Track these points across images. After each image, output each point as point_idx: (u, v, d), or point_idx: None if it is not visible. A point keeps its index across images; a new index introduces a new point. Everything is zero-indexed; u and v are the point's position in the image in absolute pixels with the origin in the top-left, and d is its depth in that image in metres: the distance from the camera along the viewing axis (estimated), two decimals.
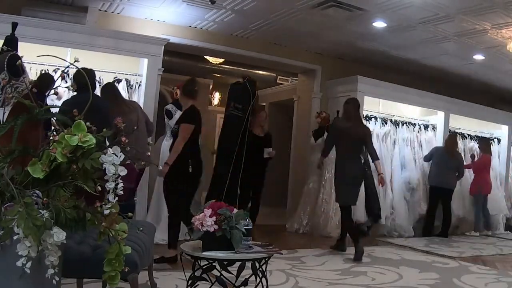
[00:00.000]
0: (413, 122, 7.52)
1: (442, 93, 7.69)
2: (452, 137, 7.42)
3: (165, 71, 6.03)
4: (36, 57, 2.51)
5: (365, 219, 6.67)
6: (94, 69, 4.95)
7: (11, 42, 3.70)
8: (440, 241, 6.51)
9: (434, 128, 7.73)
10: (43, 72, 4.95)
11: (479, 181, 7.44)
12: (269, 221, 7.82)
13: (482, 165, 7.54)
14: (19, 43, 3.86)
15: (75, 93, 4.15)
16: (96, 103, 4.23)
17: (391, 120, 7.25)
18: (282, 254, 3.74)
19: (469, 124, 8.21)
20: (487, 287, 3.89)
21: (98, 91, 4.77)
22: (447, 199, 7.01)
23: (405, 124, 7.36)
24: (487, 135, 8.55)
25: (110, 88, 4.87)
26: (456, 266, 4.77)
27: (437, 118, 7.76)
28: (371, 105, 7.15)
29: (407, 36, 6.08)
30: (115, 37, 5.34)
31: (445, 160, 6.96)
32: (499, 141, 8.64)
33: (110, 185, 1.69)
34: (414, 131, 7.45)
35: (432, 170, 7.08)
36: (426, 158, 7.18)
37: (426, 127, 7.65)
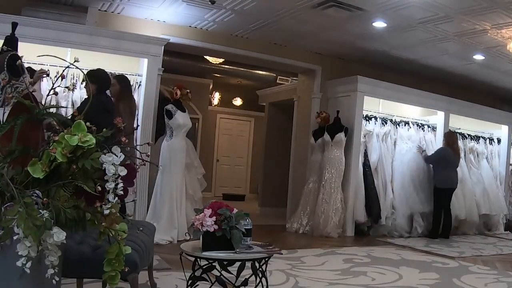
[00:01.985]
0: (413, 122, 7.53)
1: (442, 93, 7.69)
2: (454, 135, 7.32)
3: (165, 71, 6.04)
4: (36, 57, 2.52)
5: (365, 219, 6.69)
6: (94, 69, 4.98)
7: (11, 42, 3.69)
8: (440, 241, 6.51)
9: (434, 128, 7.73)
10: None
11: None
12: (269, 221, 7.83)
13: None
14: (19, 43, 3.86)
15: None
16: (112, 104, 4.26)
17: (391, 120, 7.26)
18: (282, 254, 3.74)
19: (469, 124, 8.21)
20: (487, 287, 3.89)
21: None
22: (450, 199, 6.97)
23: (406, 124, 7.38)
24: (487, 135, 8.56)
25: (127, 82, 5.00)
26: (456, 266, 4.77)
27: (437, 118, 7.76)
28: (371, 105, 7.15)
29: (407, 36, 6.08)
30: (115, 37, 5.34)
31: (453, 160, 6.96)
32: (499, 141, 8.65)
33: (110, 185, 1.69)
34: (416, 130, 7.47)
35: (442, 173, 6.91)
36: (431, 160, 7.06)
37: (421, 126, 7.66)
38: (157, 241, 4.62)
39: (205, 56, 8.23)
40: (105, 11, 5.76)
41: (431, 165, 7.13)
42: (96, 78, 4.18)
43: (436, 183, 6.99)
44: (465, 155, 7.88)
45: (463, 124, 8.10)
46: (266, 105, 9.82)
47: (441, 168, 6.94)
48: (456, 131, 8.03)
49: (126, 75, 5.15)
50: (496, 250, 6.12)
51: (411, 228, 6.94)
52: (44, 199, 1.60)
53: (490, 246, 6.39)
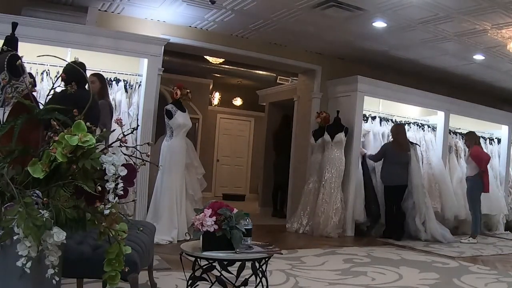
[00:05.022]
0: (413, 122, 7.53)
1: (442, 93, 7.69)
2: (399, 127, 6.81)
3: (165, 71, 6.04)
4: (36, 57, 2.52)
5: (364, 219, 6.69)
6: (94, 69, 4.96)
7: (11, 42, 3.69)
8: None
9: (434, 128, 7.73)
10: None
11: (487, 178, 6.79)
12: (269, 221, 7.84)
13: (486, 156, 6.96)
14: (19, 43, 3.85)
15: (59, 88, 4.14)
16: (88, 98, 4.15)
17: (391, 120, 7.26)
18: (282, 254, 3.74)
19: (469, 124, 8.21)
20: (487, 287, 3.89)
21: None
22: (400, 197, 6.46)
23: (406, 125, 7.37)
24: (487, 135, 8.55)
25: (105, 81, 4.89)
26: (456, 266, 4.77)
27: (437, 118, 7.76)
28: (371, 105, 7.16)
29: (407, 36, 6.08)
30: (115, 37, 5.33)
31: (395, 155, 6.47)
32: (499, 141, 8.65)
33: (110, 185, 1.69)
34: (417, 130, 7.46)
35: (384, 169, 6.56)
36: (377, 158, 6.63)
37: (421, 126, 7.64)
38: (157, 241, 4.62)
39: (205, 56, 8.23)
40: (105, 11, 5.76)
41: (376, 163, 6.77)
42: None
43: (381, 180, 6.64)
44: (465, 155, 7.88)
45: (463, 124, 8.10)
46: (266, 105, 9.82)
47: (385, 165, 6.58)
48: (456, 131, 8.03)
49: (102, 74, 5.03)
50: (496, 250, 6.12)
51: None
52: (44, 199, 1.60)
53: (490, 246, 6.39)
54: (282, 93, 9.19)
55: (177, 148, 5.45)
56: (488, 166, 8.09)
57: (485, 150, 7.46)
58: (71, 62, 2.07)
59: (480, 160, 6.73)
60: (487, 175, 6.79)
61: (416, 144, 6.89)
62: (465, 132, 8.00)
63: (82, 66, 4.08)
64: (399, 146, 6.57)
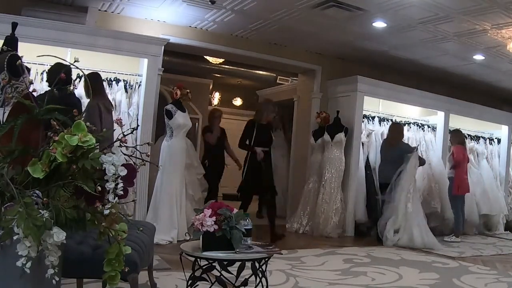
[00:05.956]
0: (413, 122, 7.53)
1: (442, 93, 7.68)
2: (393, 125, 6.77)
3: (165, 71, 6.03)
4: (36, 57, 2.51)
5: (365, 219, 6.69)
6: (94, 69, 4.95)
7: (11, 42, 3.70)
8: (440, 241, 6.48)
9: (434, 128, 7.73)
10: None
11: (460, 178, 6.78)
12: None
13: (462, 158, 6.82)
14: (19, 43, 3.85)
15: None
16: (72, 99, 4.14)
17: (391, 120, 7.25)
18: (282, 254, 3.75)
19: (469, 124, 8.21)
20: (487, 287, 3.89)
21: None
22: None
23: (406, 125, 7.37)
24: (487, 135, 8.54)
25: (97, 78, 4.83)
26: (456, 266, 4.77)
27: (437, 118, 7.76)
28: (371, 105, 7.15)
29: (407, 36, 6.08)
30: (115, 37, 5.33)
31: (383, 152, 6.54)
32: (499, 141, 8.65)
33: (110, 185, 1.69)
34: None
35: (378, 166, 6.66)
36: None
37: (421, 126, 7.63)
38: (157, 241, 4.62)
39: (205, 56, 8.23)
40: (105, 11, 5.76)
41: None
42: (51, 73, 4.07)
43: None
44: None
45: (463, 124, 8.10)
46: None
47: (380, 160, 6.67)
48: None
49: (98, 72, 4.87)
50: (496, 250, 6.12)
51: None
52: (44, 199, 1.59)
53: (490, 246, 6.39)
54: (282, 93, 9.18)
55: (177, 148, 5.45)
56: (489, 166, 8.10)
57: (467, 152, 7.37)
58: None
59: (458, 162, 6.72)
60: (461, 176, 6.75)
61: (415, 148, 6.59)
62: (465, 132, 8.01)
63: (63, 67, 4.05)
64: (388, 142, 6.56)
